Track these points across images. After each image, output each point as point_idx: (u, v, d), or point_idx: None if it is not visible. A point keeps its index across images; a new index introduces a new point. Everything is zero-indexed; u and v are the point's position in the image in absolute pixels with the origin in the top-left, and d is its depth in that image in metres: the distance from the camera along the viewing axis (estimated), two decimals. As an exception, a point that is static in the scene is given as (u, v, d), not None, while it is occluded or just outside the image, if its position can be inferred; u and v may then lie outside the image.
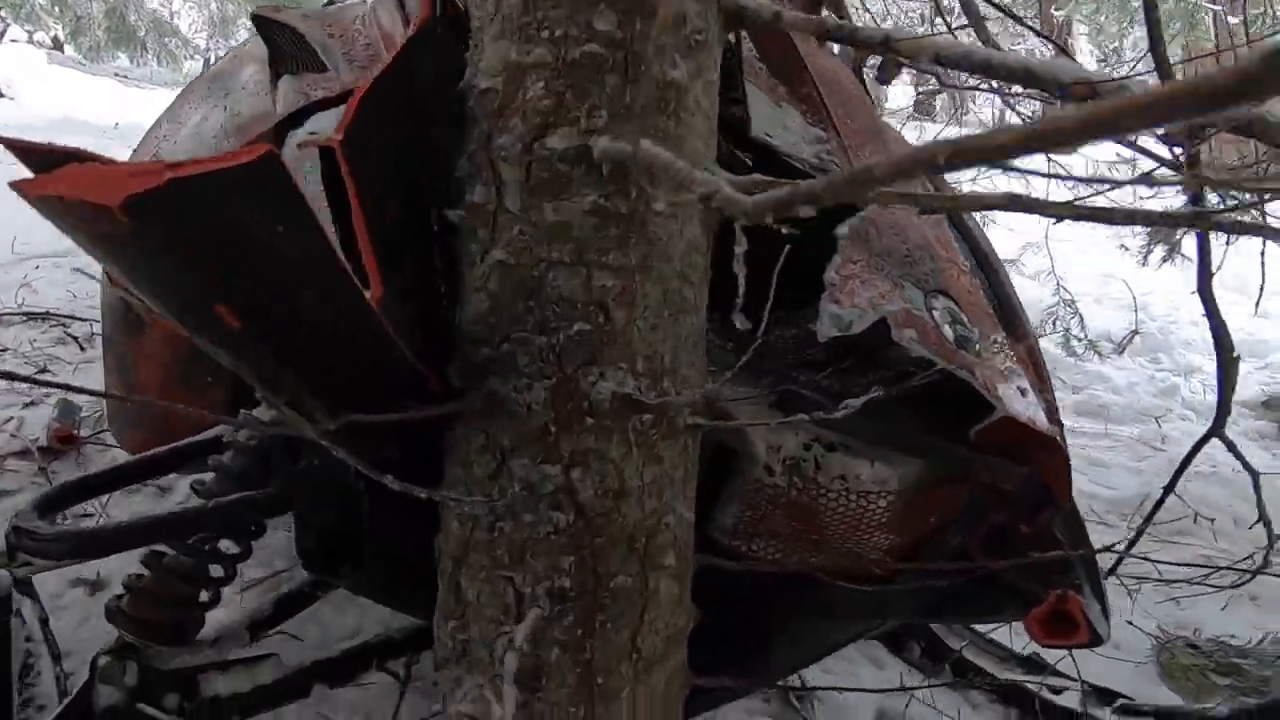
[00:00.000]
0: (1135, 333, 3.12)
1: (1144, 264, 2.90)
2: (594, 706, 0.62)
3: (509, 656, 0.54)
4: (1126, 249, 2.84)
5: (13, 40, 9.47)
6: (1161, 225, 0.82)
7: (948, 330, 0.70)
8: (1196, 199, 0.87)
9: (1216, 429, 1.16)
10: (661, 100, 0.60)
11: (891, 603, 0.81)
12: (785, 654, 0.86)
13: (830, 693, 1.44)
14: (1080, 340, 2.74)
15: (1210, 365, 3.47)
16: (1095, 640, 0.78)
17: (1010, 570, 0.77)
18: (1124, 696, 1.46)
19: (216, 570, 0.87)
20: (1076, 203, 0.60)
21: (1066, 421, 2.98)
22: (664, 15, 0.60)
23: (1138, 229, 2.60)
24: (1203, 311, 1.13)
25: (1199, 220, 0.54)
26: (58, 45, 8.98)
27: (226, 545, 0.89)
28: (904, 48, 0.63)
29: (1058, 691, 1.50)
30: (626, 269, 0.60)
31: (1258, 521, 1.19)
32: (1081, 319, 2.74)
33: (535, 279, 0.60)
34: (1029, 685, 1.43)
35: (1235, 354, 1.12)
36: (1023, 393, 0.76)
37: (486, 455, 0.62)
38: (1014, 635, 1.64)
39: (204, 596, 0.88)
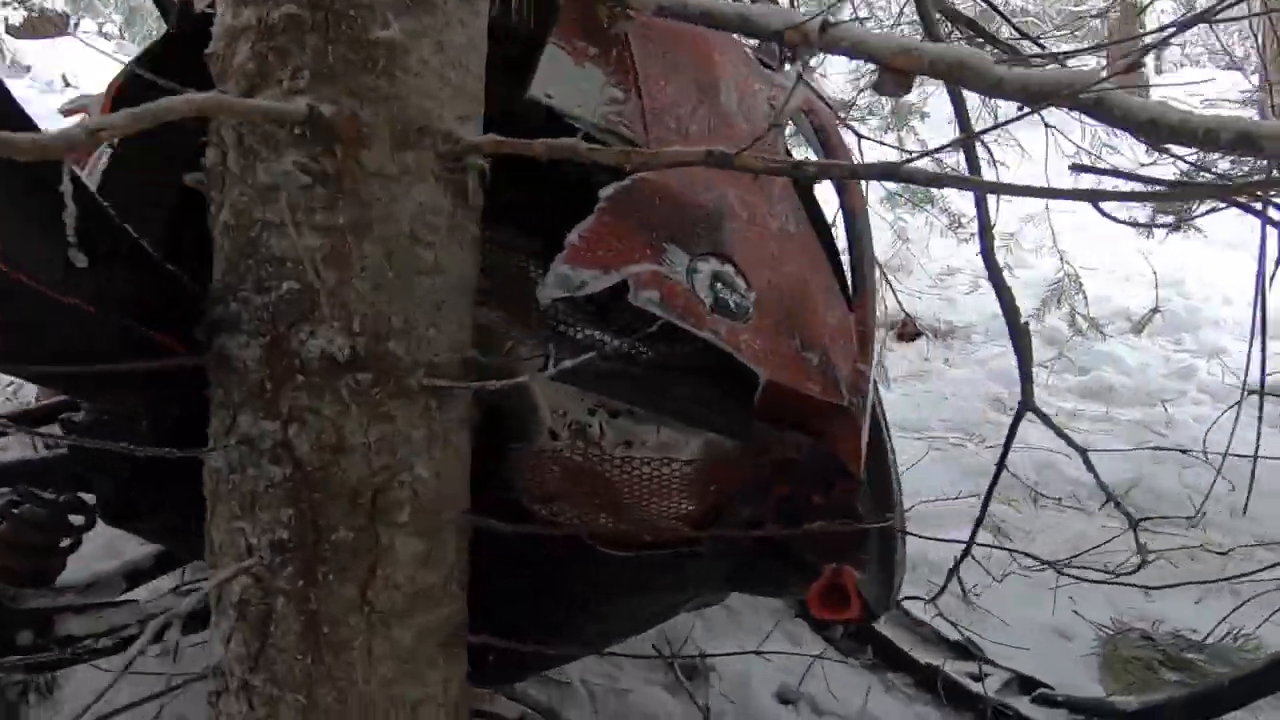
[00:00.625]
0: (1155, 311, 2.93)
1: (1149, 236, 2.71)
2: (322, 655, 0.64)
3: (213, 599, 0.57)
4: (1137, 223, 2.65)
5: (84, 32, 10.02)
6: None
7: (705, 294, 0.68)
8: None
9: (1026, 402, 1.08)
10: (369, 60, 0.60)
11: (689, 572, 0.81)
12: (591, 622, 0.86)
13: (732, 666, 1.44)
14: (1085, 318, 2.59)
15: (1239, 346, 3.24)
16: (868, 616, 0.75)
17: (796, 542, 0.75)
18: (1045, 686, 1.40)
19: (76, 519, 0.94)
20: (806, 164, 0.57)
21: (1067, 404, 2.84)
22: (371, -26, 0.60)
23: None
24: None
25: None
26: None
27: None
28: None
29: (979, 678, 1.45)
30: (336, 229, 0.61)
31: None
32: (1085, 295, 2.59)
33: (252, 239, 0.62)
34: (939, 669, 1.39)
35: (1025, 321, 1.04)
36: (807, 359, 0.74)
37: (222, 410, 0.65)
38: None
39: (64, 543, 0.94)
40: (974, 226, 3.18)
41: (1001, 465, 1.25)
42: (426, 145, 0.64)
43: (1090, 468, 1.15)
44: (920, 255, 3.61)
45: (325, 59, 0.59)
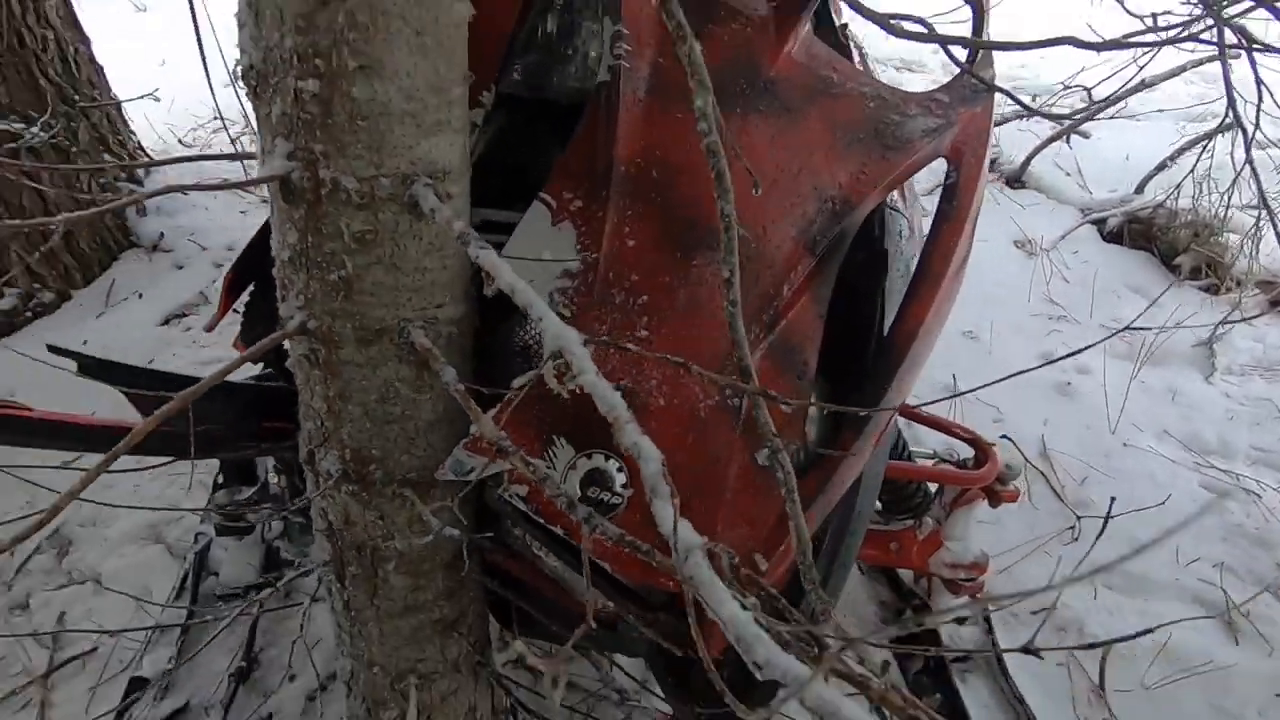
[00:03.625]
0: None
1: None
2: (353, 625, 1.05)
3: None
4: None
5: None
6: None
7: (574, 490, 0.79)
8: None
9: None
10: (334, 289, 0.82)
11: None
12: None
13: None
14: None
15: None
16: None
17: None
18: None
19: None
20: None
21: None
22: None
23: None
24: None
25: None
26: None
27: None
28: None
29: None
30: (330, 396, 0.88)
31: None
32: None
33: (301, 390, 0.93)
34: None
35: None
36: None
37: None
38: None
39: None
40: None
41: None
42: (386, 342, 0.85)
43: None
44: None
45: (309, 289, 0.83)
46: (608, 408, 0.57)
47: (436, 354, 0.84)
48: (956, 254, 1.04)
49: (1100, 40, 1.17)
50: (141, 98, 3.57)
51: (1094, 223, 2.92)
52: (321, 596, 1.49)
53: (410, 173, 0.78)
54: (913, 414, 1.53)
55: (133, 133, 2.99)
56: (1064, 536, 1.85)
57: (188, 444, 0.90)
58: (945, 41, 1.08)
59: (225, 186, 0.78)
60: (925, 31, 1.08)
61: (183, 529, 1.89)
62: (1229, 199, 2.49)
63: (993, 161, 3.24)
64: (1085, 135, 3.22)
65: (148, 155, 3.03)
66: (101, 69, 2.83)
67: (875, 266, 1.05)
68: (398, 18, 0.72)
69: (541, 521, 0.82)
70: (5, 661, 1.65)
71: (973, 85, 1.16)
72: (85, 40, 2.73)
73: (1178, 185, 2.67)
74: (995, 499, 1.48)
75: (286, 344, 0.95)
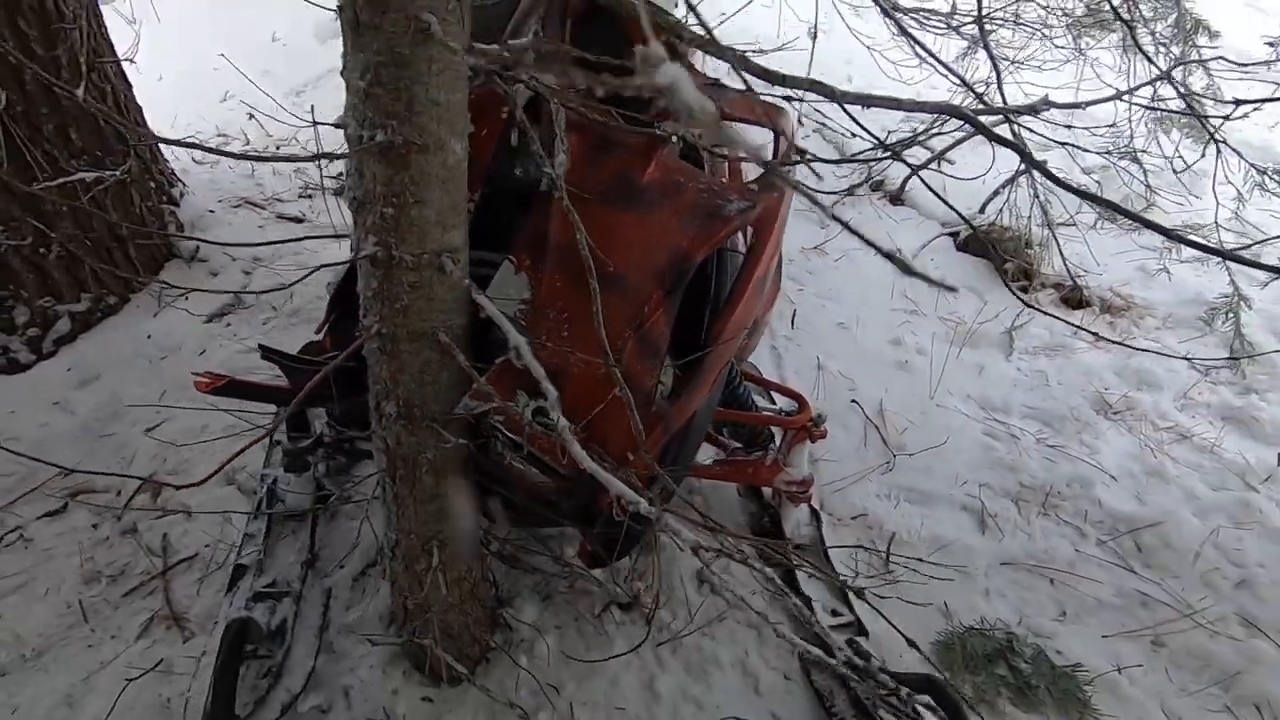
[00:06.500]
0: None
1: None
2: (400, 509, 1.76)
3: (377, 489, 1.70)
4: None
5: None
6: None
7: (527, 419, 1.50)
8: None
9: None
10: (397, 307, 1.52)
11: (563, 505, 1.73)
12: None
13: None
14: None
15: None
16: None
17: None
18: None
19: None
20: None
21: (1207, 429, 2.75)
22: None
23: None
24: None
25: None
26: None
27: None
28: None
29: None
30: (391, 370, 1.58)
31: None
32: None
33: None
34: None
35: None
36: (592, 449, 1.52)
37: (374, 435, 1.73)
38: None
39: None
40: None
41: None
42: (424, 339, 1.55)
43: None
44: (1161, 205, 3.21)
45: (383, 311, 1.52)
46: (532, 369, 1.29)
47: (453, 346, 1.55)
48: (750, 287, 1.77)
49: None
50: (188, 144, 4.17)
51: (950, 235, 3.70)
52: (359, 514, 2.20)
53: (438, 250, 1.48)
54: (754, 379, 2.27)
55: (167, 161, 3.59)
56: (883, 469, 2.62)
57: (317, 399, 1.61)
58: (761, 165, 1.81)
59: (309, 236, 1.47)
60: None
61: (248, 475, 2.57)
62: (1030, 223, 3.28)
63: (879, 183, 4.01)
64: (951, 161, 4.00)
65: (179, 179, 3.63)
66: (141, 109, 3.42)
67: (704, 291, 1.78)
68: (433, 177, 1.42)
69: (510, 435, 1.53)
70: (130, 565, 2.33)
71: (774, 180, 1.90)
72: (130, 87, 3.33)
73: (999, 210, 3.47)
74: (812, 437, 2.23)
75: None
